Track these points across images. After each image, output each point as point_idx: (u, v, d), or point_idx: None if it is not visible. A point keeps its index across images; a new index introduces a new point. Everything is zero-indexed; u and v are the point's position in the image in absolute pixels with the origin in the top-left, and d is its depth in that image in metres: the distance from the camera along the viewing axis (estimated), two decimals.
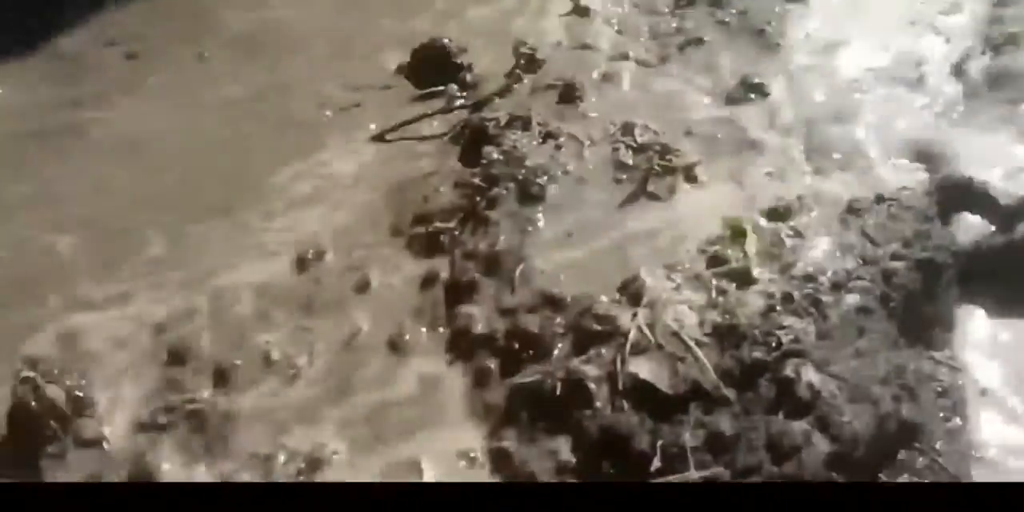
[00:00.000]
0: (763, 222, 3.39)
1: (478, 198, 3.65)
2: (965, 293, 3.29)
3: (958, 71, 4.08)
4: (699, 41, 4.57)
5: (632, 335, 2.91)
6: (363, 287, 3.46)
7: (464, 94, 4.51)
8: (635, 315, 2.99)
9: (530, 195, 3.61)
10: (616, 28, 4.82)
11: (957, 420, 2.91)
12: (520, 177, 3.66)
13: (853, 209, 3.40)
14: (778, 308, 2.98)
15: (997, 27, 4.27)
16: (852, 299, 2.98)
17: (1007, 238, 3.33)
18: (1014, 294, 3.27)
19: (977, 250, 3.35)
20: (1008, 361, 3.11)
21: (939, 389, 2.95)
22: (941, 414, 2.89)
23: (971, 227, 3.43)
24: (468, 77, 4.58)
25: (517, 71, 4.51)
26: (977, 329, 3.23)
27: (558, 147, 3.87)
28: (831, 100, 4.01)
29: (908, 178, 3.54)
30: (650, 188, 3.63)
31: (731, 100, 4.14)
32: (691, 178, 3.67)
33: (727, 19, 4.72)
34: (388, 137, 4.30)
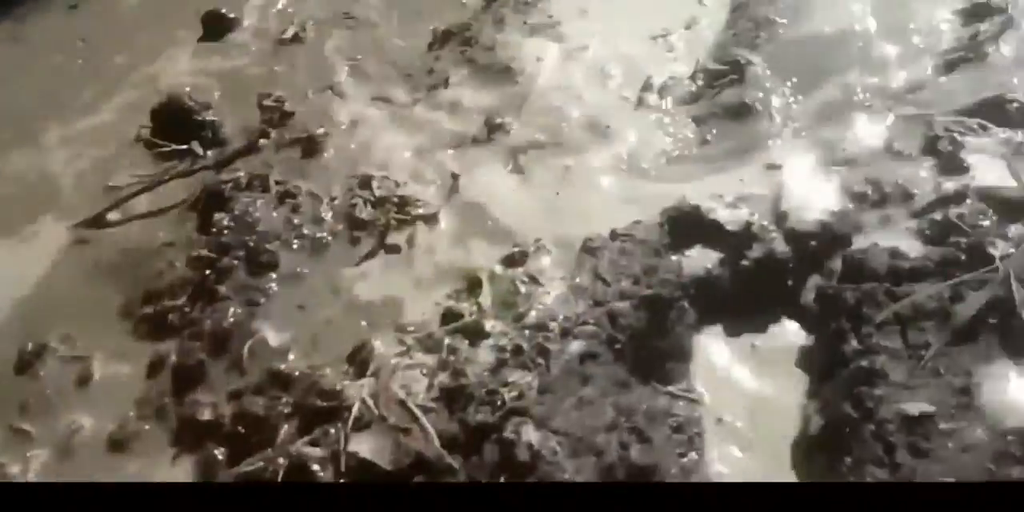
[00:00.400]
0: (500, 270, 3.35)
1: (207, 270, 3.46)
2: (702, 322, 3.34)
3: (686, 98, 4.18)
4: (446, 82, 4.53)
5: (356, 409, 2.80)
6: (85, 380, 3.23)
7: (208, 154, 4.30)
8: (361, 387, 2.88)
9: (261, 264, 3.45)
10: (368, 72, 4.73)
11: (693, 455, 2.92)
12: (251, 245, 3.50)
13: (588, 248, 3.39)
14: (508, 362, 2.93)
15: (726, 50, 4.38)
16: (576, 346, 2.95)
17: (734, 265, 3.39)
18: (746, 319, 3.35)
19: (708, 279, 3.40)
20: (741, 386, 3.17)
21: (674, 424, 2.96)
22: (677, 451, 2.90)
23: (704, 256, 3.48)
24: (212, 134, 4.38)
25: (263, 126, 4.35)
26: (714, 356, 3.28)
27: (295, 208, 3.72)
28: (570, 135, 4.02)
29: (641, 211, 3.57)
30: (389, 243, 3.55)
31: (475, 142, 4.11)
32: (431, 229, 3.60)
33: (476, 57, 4.70)
34: (124, 206, 4.04)
